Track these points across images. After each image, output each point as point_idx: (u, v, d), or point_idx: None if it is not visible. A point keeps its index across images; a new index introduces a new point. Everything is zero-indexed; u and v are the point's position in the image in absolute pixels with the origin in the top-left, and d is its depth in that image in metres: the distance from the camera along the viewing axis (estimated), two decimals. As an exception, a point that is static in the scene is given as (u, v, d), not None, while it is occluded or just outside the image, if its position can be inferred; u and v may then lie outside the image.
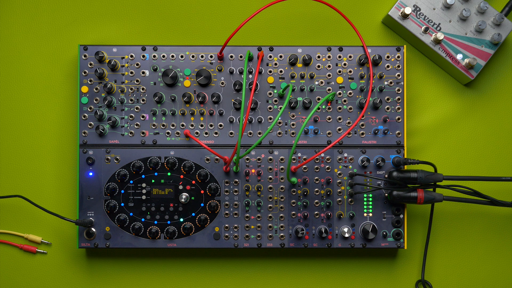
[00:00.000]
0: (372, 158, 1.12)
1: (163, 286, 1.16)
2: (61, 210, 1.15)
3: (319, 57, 1.12)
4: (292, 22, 1.17)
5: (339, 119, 1.12)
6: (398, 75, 1.12)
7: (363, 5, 1.17)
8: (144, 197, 1.11)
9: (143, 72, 1.11)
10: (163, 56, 1.11)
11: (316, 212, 1.11)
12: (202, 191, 1.11)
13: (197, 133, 1.12)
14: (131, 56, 1.11)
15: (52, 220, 1.15)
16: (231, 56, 1.11)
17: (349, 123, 1.12)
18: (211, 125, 1.12)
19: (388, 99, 1.12)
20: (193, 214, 1.11)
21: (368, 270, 1.17)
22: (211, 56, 1.11)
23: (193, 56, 1.11)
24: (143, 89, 1.11)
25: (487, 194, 1.11)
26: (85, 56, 1.11)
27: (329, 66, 1.12)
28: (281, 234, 1.12)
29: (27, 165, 1.16)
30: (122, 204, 1.11)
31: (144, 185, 1.11)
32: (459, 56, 1.13)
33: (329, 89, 1.12)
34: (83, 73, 1.11)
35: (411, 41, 1.16)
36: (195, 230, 1.11)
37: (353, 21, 1.14)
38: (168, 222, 1.11)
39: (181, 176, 1.11)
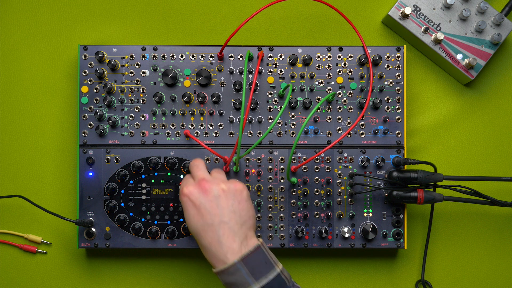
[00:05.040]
0: (372, 158, 1.12)
1: (163, 286, 1.16)
2: (61, 210, 1.15)
3: (319, 57, 1.12)
4: (292, 22, 1.17)
5: (339, 119, 1.12)
6: (398, 75, 1.12)
7: (363, 5, 1.17)
8: (144, 197, 1.11)
9: (143, 72, 1.11)
10: (163, 56, 1.11)
11: (316, 212, 1.11)
12: (202, 191, 1.11)
13: (197, 133, 1.12)
14: (131, 56, 1.11)
15: (52, 220, 1.15)
16: (231, 56, 1.11)
17: (349, 123, 1.12)
18: (211, 125, 1.12)
19: (388, 99, 1.12)
20: (193, 214, 1.11)
21: (368, 270, 1.17)
22: (211, 56, 1.11)
23: (193, 56, 1.11)
24: (143, 89, 1.11)
25: (487, 194, 1.11)
26: (85, 56, 1.11)
27: (329, 66, 1.12)
28: (281, 234, 1.12)
29: (27, 165, 1.16)
30: (122, 204, 1.11)
31: (144, 185, 1.11)
32: (459, 56, 1.13)
33: (329, 89, 1.12)
34: (83, 73, 1.11)
35: (411, 41, 1.16)
36: (195, 230, 1.11)
37: (353, 21, 1.14)
38: (168, 222, 1.11)
39: (181, 176, 1.11)
